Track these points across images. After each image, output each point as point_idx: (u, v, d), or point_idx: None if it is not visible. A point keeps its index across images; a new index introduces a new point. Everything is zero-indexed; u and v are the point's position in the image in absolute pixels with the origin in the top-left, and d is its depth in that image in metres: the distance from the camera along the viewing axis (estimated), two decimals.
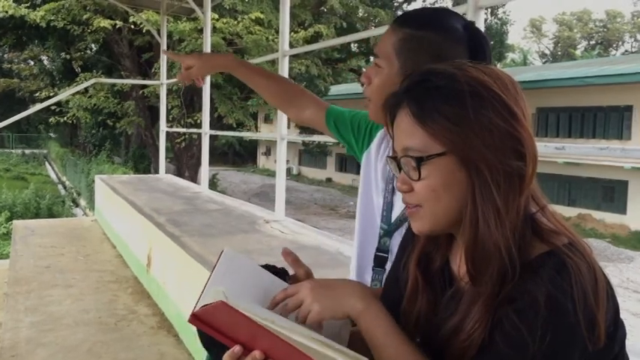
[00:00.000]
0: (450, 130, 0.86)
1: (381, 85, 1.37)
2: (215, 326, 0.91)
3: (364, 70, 1.45)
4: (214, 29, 12.43)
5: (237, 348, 0.91)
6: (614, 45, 47.30)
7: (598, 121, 19.68)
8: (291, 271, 1.21)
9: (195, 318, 0.91)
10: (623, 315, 0.88)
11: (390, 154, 0.98)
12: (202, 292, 0.98)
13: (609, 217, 18.60)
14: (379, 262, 1.51)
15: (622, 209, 18.39)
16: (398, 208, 1.49)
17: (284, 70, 4.09)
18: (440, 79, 0.89)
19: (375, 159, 1.59)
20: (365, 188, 1.60)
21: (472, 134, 0.86)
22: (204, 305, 0.91)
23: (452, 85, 0.88)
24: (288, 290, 1.04)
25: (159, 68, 8.13)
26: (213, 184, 17.42)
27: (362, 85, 1.45)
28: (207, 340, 1.10)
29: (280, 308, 1.02)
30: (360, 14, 17.86)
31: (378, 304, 0.99)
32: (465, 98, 0.86)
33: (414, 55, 1.33)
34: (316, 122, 1.75)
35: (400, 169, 0.94)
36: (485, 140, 0.85)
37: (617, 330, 0.86)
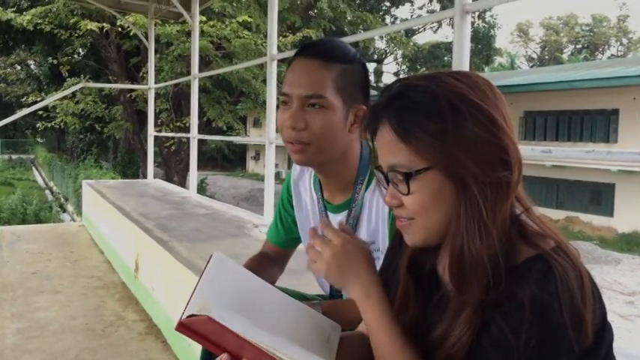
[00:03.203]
0: (432, 146, 0.86)
1: (327, 126, 1.31)
2: (202, 335, 0.91)
3: (290, 115, 1.32)
4: (202, 33, 12.42)
5: (224, 357, 0.91)
6: (601, 49, 47.71)
7: (585, 125, 19.82)
8: None
9: (182, 326, 0.91)
10: (610, 317, 0.89)
11: (376, 166, 0.97)
12: (190, 298, 0.97)
13: (597, 220, 18.73)
14: None
15: (609, 212, 18.52)
16: None
17: (272, 75, 4.08)
18: (417, 95, 0.89)
19: (304, 202, 1.59)
20: (305, 237, 1.59)
21: (454, 148, 0.85)
22: (191, 315, 0.90)
23: (430, 101, 0.87)
24: (326, 231, 1.04)
25: (147, 72, 8.11)
26: (202, 189, 17.37)
27: (291, 129, 1.32)
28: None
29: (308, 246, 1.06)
30: (349, 18, 17.93)
31: (378, 297, 0.99)
32: (444, 112, 0.86)
33: (351, 89, 1.34)
34: (287, 254, 1.73)
35: (388, 182, 0.94)
36: (469, 153, 0.85)
37: (604, 331, 0.86)
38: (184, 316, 0.91)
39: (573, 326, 0.79)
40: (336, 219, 1.46)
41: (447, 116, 0.85)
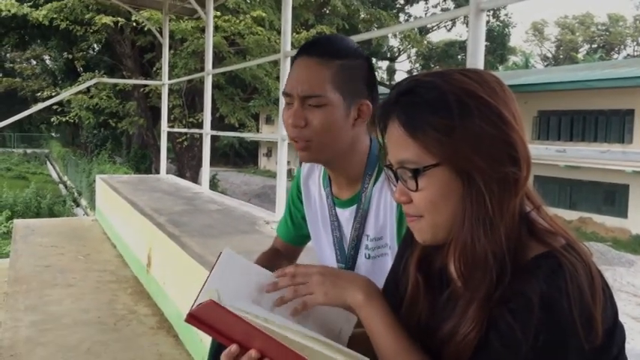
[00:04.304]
0: (440, 142, 0.87)
1: (328, 123, 1.33)
2: (211, 325, 0.92)
3: (287, 113, 1.37)
4: (216, 28, 12.44)
5: (233, 347, 0.92)
6: (616, 49, 47.24)
7: (599, 125, 19.65)
8: None
9: (191, 317, 0.92)
10: (623, 319, 0.88)
11: (386, 164, 0.98)
12: (200, 291, 0.98)
13: (610, 221, 18.58)
14: None
15: (623, 213, 18.37)
16: (347, 240, 1.48)
17: (285, 72, 4.08)
18: (426, 91, 0.89)
19: (313, 198, 1.60)
20: (314, 233, 1.60)
21: (462, 144, 0.86)
22: (199, 304, 0.91)
23: (438, 97, 0.87)
24: (300, 267, 1.07)
25: (160, 68, 8.14)
26: (213, 185, 17.42)
27: (293, 127, 1.35)
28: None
29: (288, 279, 1.06)
30: (362, 16, 17.90)
31: (380, 298, 1.01)
32: (451, 108, 0.86)
33: (352, 84, 1.35)
34: (297, 250, 1.76)
35: (397, 178, 0.94)
36: (476, 149, 0.85)
37: (615, 330, 0.86)
38: (193, 307, 0.92)
39: (583, 324, 0.79)
40: (344, 214, 1.47)
41: (455, 112, 0.86)
